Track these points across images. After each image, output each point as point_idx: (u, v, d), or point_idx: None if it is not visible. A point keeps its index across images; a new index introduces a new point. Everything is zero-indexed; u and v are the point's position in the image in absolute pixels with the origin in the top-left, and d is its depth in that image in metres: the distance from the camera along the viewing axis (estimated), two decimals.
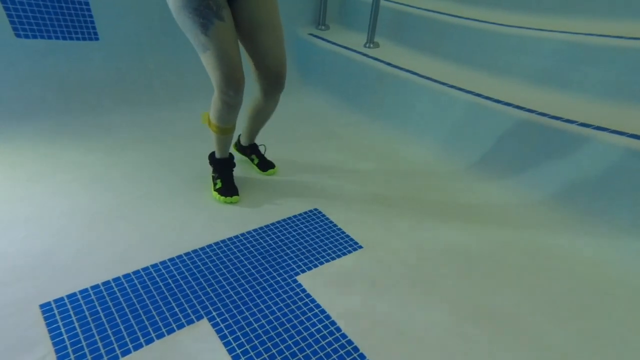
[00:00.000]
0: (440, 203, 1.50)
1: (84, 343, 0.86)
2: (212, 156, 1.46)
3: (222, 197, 1.38)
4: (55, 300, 0.95)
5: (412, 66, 2.05)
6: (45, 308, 0.93)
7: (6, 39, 1.74)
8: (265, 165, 1.60)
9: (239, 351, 0.88)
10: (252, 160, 1.63)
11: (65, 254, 1.09)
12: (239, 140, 1.65)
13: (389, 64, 2.09)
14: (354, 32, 2.58)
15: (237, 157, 1.66)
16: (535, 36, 1.79)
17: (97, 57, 1.95)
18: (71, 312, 0.93)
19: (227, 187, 1.41)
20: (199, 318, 0.95)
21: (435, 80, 1.89)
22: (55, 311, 0.93)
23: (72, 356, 0.83)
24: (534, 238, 1.33)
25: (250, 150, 1.62)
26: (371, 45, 2.32)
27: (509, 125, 1.63)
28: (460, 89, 1.80)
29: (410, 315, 1.01)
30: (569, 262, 1.24)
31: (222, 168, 1.43)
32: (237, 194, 1.40)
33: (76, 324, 0.90)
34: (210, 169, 1.52)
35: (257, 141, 1.70)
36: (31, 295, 0.95)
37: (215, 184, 1.43)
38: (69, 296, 0.97)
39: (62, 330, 0.88)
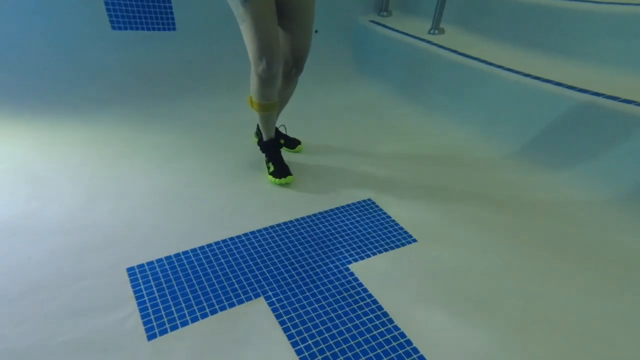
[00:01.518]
0: (502, 198, 1.41)
1: (160, 306, 0.97)
2: (260, 141, 1.52)
3: (277, 180, 1.44)
4: (138, 266, 1.08)
5: (480, 54, 1.91)
6: (131, 272, 1.07)
7: (105, 31, 1.96)
8: (292, 143, 1.66)
9: (293, 331, 0.93)
10: None
11: (144, 226, 1.23)
12: (258, 129, 1.65)
13: (454, 51, 1.97)
14: (418, 18, 2.47)
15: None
16: (632, 13, 1.56)
17: (172, 46, 2.11)
18: (150, 278, 1.05)
19: (279, 168, 1.46)
20: (257, 296, 1.02)
21: (505, 68, 1.74)
22: (138, 275, 1.06)
23: (152, 316, 0.95)
24: (607, 239, 1.20)
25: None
26: (436, 32, 2.21)
27: (587, 116, 1.46)
28: (535, 77, 1.64)
29: (465, 311, 0.98)
30: None
31: (269, 150, 1.49)
32: (290, 174, 1.46)
33: (154, 289, 1.02)
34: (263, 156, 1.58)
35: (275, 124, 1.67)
36: (119, 260, 1.10)
37: (268, 168, 1.49)
38: (148, 263, 1.09)
39: (144, 292, 1.01)
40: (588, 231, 1.28)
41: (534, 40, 1.90)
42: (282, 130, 1.71)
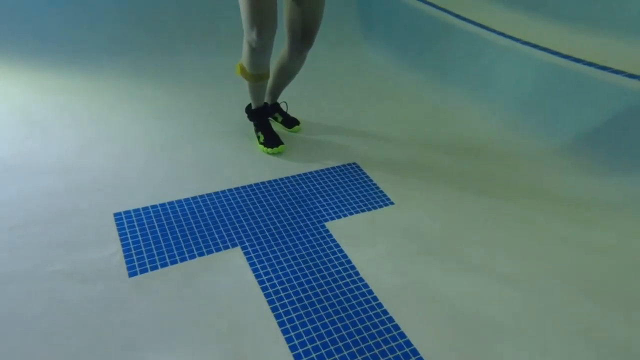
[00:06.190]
0: (487, 170, 1.42)
1: (143, 249, 1.05)
2: (249, 109, 1.49)
3: (269, 149, 1.45)
4: (125, 212, 1.15)
5: (487, 20, 1.82)
6: (117, 217, 1.14)
7: None
8: (289, 121, 1.58)
9: (264, 277, 1.00)
10: (275, 118, 1.61)
11: (133, 173, 1.30)
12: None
13: (457, 16, 1.89)
14: None
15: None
16: None
17: None
18: (135, 223, 1.12)
19: (270, 137, 1.46)
20: (234, 245, 1.08)
21: (514, 38, 1.67)
22: (124, 220, 1.13)
23: (134, 257, 1.03)
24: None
25: (273, 110, 1.60)
26: None
27: (610, 97, 1.38)
28: (545, 49, 1.56)
29: (428, 272, 1.04)
30: None
31: (259, 118, 1.47)
32: (282, 143, 1.46)
33: (138, 233, 1.09)
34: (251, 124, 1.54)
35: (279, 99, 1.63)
36: (107, 204, 1.17)
37: (258, 138, 1.48)
38: (134, 210, 1.16)
39: (129, 235, 1.08)
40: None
41: (549, 6, 1.79)
42: (283, 107, 1.63)
